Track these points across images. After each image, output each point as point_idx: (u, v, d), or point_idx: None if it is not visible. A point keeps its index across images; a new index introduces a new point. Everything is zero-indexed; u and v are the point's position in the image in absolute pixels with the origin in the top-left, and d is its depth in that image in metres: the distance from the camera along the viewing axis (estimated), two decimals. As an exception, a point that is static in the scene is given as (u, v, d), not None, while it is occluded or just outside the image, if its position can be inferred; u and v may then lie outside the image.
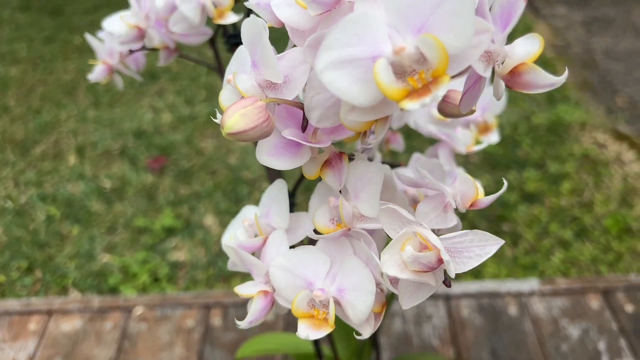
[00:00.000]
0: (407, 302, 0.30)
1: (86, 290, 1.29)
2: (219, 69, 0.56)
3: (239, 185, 1.61)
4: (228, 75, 0.32)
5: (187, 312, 0.98)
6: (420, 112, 0.50)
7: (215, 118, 0.30)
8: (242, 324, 0.35)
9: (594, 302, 0.98)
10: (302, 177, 0.54)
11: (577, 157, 1.69)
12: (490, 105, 0.51)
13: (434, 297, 1.00)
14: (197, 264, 1.36)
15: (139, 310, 0.98)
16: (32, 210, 1.53)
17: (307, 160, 0.31)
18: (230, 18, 0.44)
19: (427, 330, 0.95)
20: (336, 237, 0.33)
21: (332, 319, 0.32)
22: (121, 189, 1.60)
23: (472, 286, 1.03)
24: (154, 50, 0.53)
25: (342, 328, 0.72)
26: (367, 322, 0.33)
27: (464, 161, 1.68)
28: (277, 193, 0.39)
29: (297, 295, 0.32)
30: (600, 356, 0.90)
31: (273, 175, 0.53)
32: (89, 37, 0.56)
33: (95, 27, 2.63)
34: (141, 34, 0.49)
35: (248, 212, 0.41)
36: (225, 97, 0.29)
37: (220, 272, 1.33)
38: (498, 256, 1.36)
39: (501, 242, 0.29)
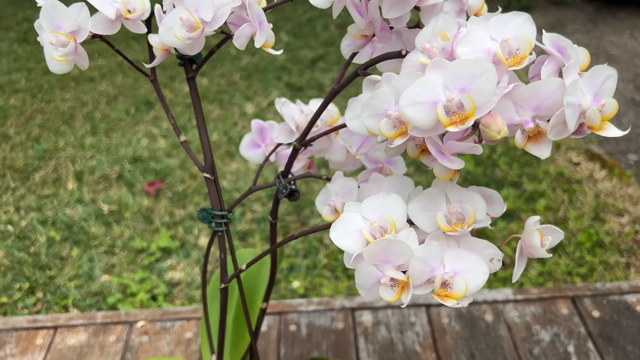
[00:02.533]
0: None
1: (86, 309, 1.35)
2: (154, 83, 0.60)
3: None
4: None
5: (185, 324, 1.04)
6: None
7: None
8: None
9: (564, 308, 1.06)
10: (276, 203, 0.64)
11: (552, 176, 1.79)
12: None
13: (416, 305, 1.07)
14: (192, 282, 1.42)
15: (140, 324, 1.04)
16: (32, 234, 1.59)
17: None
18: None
19: (410, 337, 1.02)
20: (455, 235, 0.46)
21: (460, 292, 0.43)
22: (119, 212, 1.66)
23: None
24: (99, 37, 0.51)
25: (230, 340, 0.79)
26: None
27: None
28: (390, 200, 0.47)
29: (437, 280, 0.44)
30: (570, 358, 0.98)
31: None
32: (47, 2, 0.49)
33: (91, 58, 2.72)
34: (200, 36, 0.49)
35: (352, 217, 0.47)
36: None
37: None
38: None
39: None
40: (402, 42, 0.51)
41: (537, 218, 0.47)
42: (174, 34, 0.49)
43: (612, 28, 3.07)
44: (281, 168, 0.69)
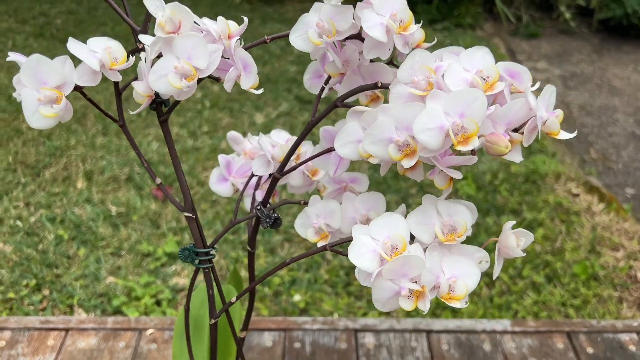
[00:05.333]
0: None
1: (90, 310, 1.37)
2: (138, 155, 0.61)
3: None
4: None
5: (193, 335, 1.07)
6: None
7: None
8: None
9: (560, 343, 1.10)
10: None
11: (551, 206, 1.83)
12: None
13: (417, 331, 1.11)
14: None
15: (149, 331, 1.07)
16: (41, 230, 1.62)
17: None
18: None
19: (409, 361, 1.05)
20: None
21: (462, 293, 0.50)
22: (126, 215, 1.69)
23: (452, 323, 1.14)
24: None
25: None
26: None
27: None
28: (394, 220, 0.52)
29: (444, 285, 0.50)
30: (562, 391, 1.02)
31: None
32: (73, 45, 0.51)
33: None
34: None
35: (363, 239, 0.52)
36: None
37: (219, 299, 1.42)
38: (475, 295, 1.47)
39: None
40: (362, 75, 0.57)
41: (512, 222, 0.53)
42: (169, 82, 0.49)
43: (616, 60, 3.12)
44: (249, 198, 0.72)
